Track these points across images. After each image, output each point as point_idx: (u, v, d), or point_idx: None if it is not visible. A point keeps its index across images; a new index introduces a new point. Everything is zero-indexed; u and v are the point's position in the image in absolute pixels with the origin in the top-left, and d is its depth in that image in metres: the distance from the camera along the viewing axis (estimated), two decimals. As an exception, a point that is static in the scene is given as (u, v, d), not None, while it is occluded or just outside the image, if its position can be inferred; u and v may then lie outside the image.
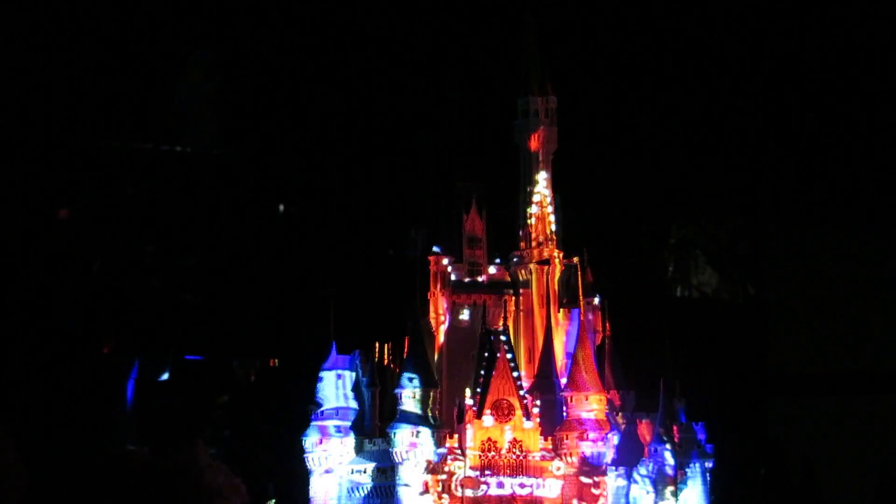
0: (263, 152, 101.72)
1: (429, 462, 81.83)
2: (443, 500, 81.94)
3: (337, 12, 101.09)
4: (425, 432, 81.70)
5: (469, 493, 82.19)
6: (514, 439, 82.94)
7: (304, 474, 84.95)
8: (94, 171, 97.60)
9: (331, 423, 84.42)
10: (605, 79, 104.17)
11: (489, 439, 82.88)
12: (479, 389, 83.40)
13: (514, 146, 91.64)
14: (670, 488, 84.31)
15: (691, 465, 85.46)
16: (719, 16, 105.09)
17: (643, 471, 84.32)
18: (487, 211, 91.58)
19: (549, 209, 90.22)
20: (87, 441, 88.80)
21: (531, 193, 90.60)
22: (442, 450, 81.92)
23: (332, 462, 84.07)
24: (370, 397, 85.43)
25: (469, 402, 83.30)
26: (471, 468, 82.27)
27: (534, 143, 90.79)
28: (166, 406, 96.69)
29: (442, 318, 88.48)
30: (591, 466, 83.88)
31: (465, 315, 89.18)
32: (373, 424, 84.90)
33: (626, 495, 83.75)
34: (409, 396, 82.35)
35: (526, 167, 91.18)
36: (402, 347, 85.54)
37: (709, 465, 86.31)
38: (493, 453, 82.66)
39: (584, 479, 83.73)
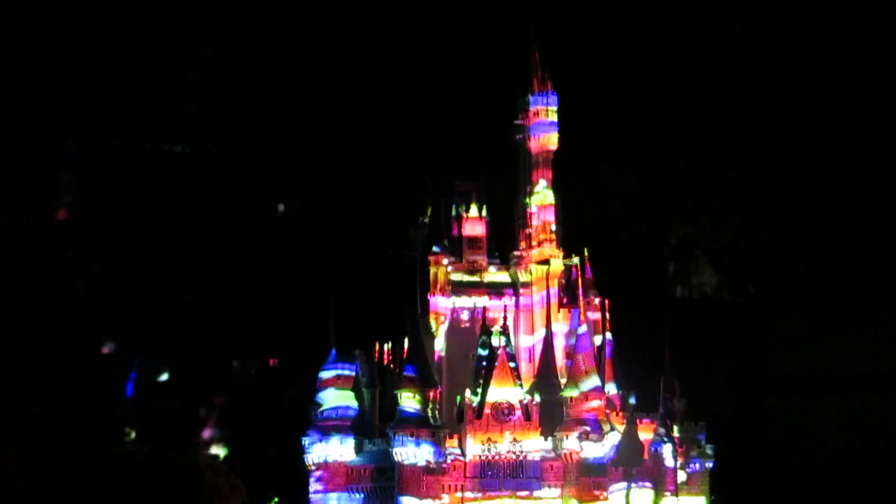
0: (263, 152, 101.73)
1: (429, 462, 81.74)
2: (443, 500, 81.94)
3: (337, 12, 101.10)
4: (425, 432, 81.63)
5: (469, 493, 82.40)
6: (514, 439, 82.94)
7: (304, 474, 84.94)
8: (94, 171, 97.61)
9: (331, 423, 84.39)
10: (606, 78, 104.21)
11: (489, 439, 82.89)
12: (479, 389, 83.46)
13: (514, 146, 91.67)
14: (670, 488, 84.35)
15: (691, 465, 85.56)
16: (719, 14, 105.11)
17: (643, 471, 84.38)
18: (487, 211, 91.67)
19: (550, 209, 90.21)
20: (87, 441, 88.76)
21: (531, 193, 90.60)
22: (442, 450, 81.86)
23: (332, 462, 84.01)
24: (370, 397, 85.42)
25: (469, 401, 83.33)
26: (471, 468, 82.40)
27: (534, 143, 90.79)
28: (166, 406, 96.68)
29: (442, 318, 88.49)
30: (591, 466, 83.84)
31: (465, 315, 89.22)
32: (373, 424, 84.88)
33: (626, 495, 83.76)
34: (409, 396, 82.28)
35: (526, 167, 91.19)
36: (402, 347, 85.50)
37: (709, 465, 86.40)
38: (493, 453, 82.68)
39: (583, 479, 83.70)
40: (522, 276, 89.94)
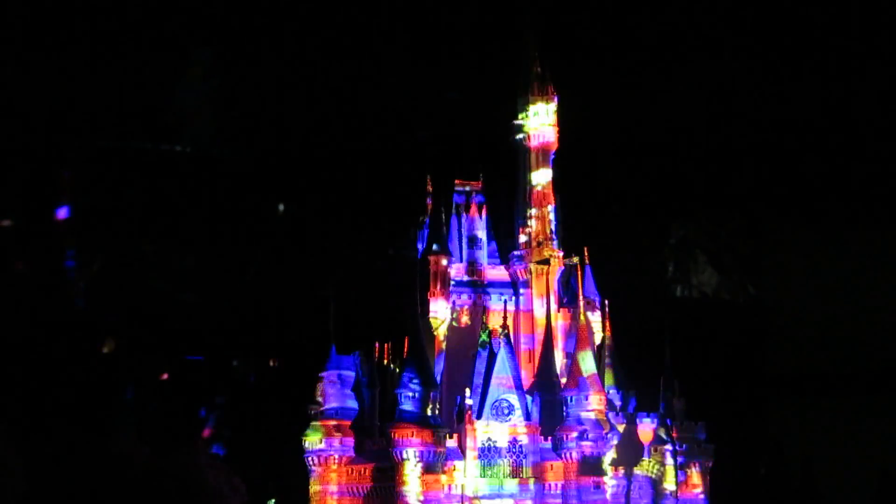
0: (263, 152, 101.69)
1: (429, 462, 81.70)
2: (443, 500, 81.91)
3: (337, 12, 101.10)
4: (425, 432, 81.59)
5: (469, 493, 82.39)
6: (514, 439, 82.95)
7: (304, 474, 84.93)
8: (95, 171, 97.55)
9: (331, 423, 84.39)
10: (606, 78, 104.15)
11: (489, 439, 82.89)
12: (479, 389, 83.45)
13: (514, 145, 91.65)
14: (671, 488, 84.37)
15: (691, 465, 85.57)
16: (719, 15, 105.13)
17: (643, 471, 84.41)
18: (487, 211, 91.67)
19: (550, 209, 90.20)
20: (87, 441, 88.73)
21: (531, 193, 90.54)
22: (442, 449, 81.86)
23: (332, 462, 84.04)
24: (370, 397, 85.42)
25: (469, 402, 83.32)
26: (470, 468, 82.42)
27: (533, 143, 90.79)
28: (166, 406, 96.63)
29: (442, 317, 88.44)
30: (591, 466, 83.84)
31: (465, 315, 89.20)
32: (373, 424, 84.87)
33: (626, 495, 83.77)
34: (409, 396, 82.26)
35: (526, 167, 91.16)
36: (402, 347, 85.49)
37: (709, 465, 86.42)
38: (493, 453, 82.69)
39: (583, 479, 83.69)
40: (522, 276, 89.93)
